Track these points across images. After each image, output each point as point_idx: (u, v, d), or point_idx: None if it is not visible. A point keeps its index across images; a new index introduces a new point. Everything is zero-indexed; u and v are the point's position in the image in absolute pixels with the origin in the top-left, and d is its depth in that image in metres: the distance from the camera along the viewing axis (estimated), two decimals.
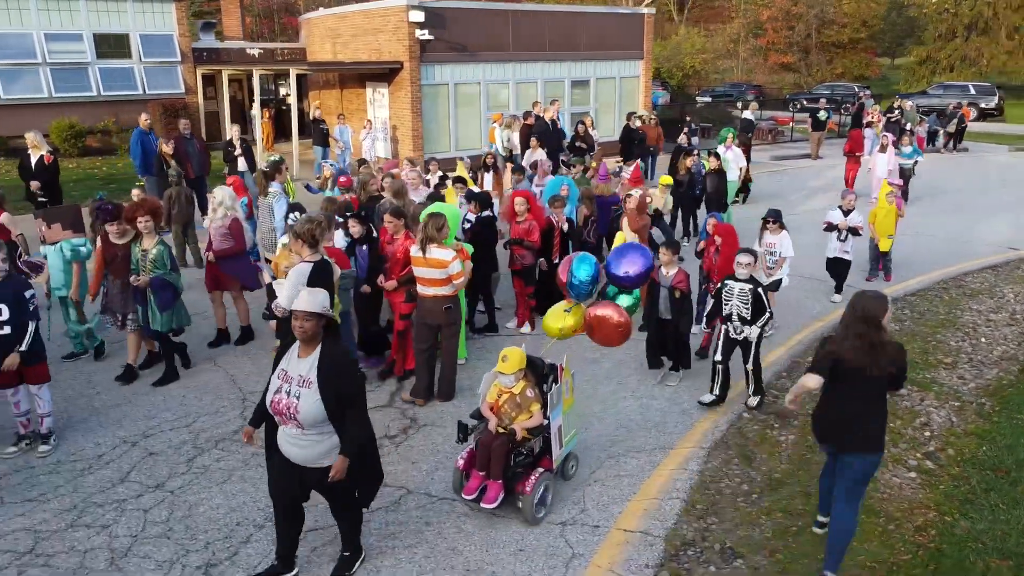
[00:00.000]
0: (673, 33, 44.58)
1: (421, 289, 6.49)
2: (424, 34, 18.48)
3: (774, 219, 8.20)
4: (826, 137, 24.41)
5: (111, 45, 20.91)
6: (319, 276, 5.55)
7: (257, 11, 48.11)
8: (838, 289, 9.85)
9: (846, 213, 9.64)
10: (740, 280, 6.51)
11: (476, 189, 10.17)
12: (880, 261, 10.79)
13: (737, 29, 50.56)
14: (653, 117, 19.92)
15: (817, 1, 46.20)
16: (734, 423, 6.64)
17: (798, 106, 34.30)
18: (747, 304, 6.49)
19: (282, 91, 28.40)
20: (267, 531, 5.03)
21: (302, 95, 22.57)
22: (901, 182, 11.15)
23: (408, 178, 9.61)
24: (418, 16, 18.21)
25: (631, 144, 16.86)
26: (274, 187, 8.94)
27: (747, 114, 23.19)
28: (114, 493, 5.39)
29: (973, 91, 35.36)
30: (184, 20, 21.84)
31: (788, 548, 5.01)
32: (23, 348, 5.62)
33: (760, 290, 6.49)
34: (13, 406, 5.79)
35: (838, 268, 9.81)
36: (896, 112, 23.29)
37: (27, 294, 5.58)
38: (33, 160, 10.62)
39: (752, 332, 6.59)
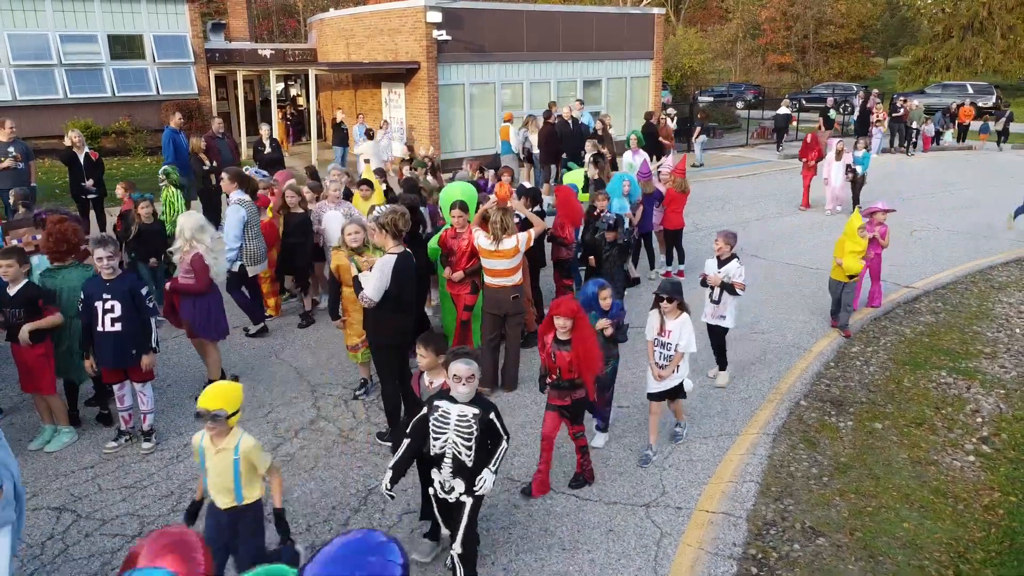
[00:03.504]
0: (671, 34, 44.91)
1: (489, 280, 6.65)
2: (441, 34, 18.63)
3: (669, 296, 5.69)
4: (832, 136, 24.74)
5: (125, 46, 20.99)
6: (403, 267, 5.69)
7: (255, 12, 48.25)
8: (720, 365, 7.35)
9: (723, 263, 7.03)
10: (460, 401, 4.15)
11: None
12: (851, 296, 8.50)
13: (735, 29, 51.00)
14: (666, 116, 20.18)
15: (815, 1, 46.65)
16: (793, 411, 6.84)
17: (797, 105, 34.72)
18: (470, 438, 4.13)
19: (291, 92, 28.49)
20: (363, 514, 5.19)
21: (311, 96, 22.60)
22: (885, 205, 9.61)
23: (328, 188, 8.60)
24: (436, 16, 18.36)
25: (655, 141, 17.11)
26: (235, 195, 7.95)
27: (782, 109, 23.91)
28: None
29: (971, 90, 35.77)
30: (197, 21, 21.93)
31: (866, 527, 5.19)
32: (154, 346, 5.77)
33: (493, 416, 4.16)
34: (118, 400, 5.90)
35: (713, 337, 7.26)
36: (901, 111, 23.61)
37: (143, 291, 5.70)
38: (80, 158, 10.72)
39: (481, 484, 4.14)
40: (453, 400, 4.16)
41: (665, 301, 5.71)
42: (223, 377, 6.86)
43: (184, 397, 6.84)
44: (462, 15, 19.08)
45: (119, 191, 9.03)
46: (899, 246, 12.43)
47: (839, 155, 14.50)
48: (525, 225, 8.02)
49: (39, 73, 19.73)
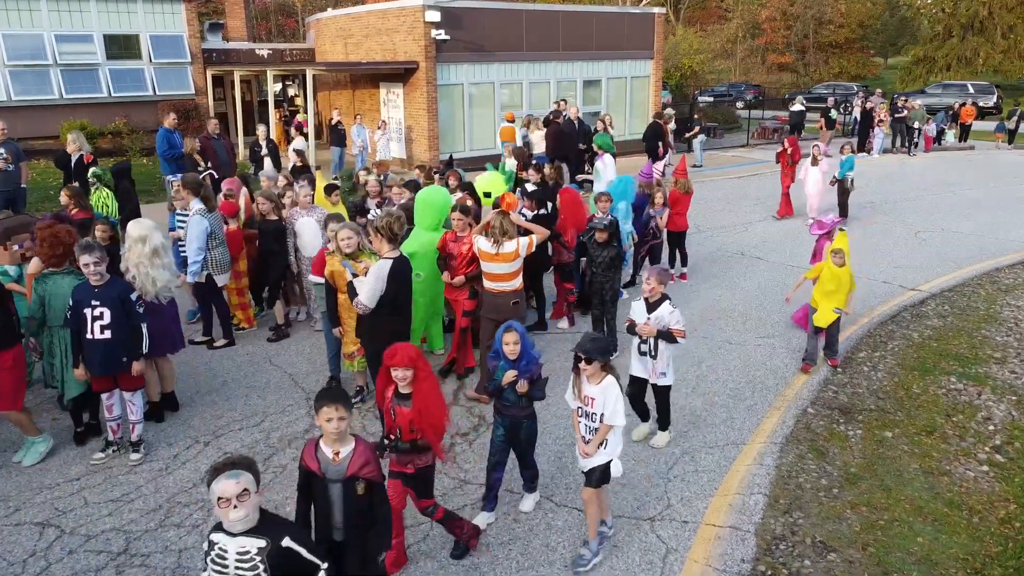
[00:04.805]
0: (670, 34, 44.76)
1: (489, 284, 6.48)
2: (440, 34, 18.45)
3: (589, 355, 4.48)
4: (834, 136, 24.65)
5: (121, 46, 20.82)
6: (399, 271, 5.52)
7: (254, 12, 48.10)
8: (661, 425, 6.15)
9: (652, 306, 5.79)
10: (236, 533, 3.04)
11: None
12: (826, 340, 7.59)
13: (734, 29, 50.86)
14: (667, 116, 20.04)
15: (815, 1, 46.53)
16: (800, 418, 6.66)
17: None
18: None
19: (289, 92, 28.32)
20: None
21: (309, 96, 22.44)
22: (834, 219, 8.82)
23: (300, 198, 8.15)
24: (434, 16, 18.19)
25: (658, 141, 16.96)
26: (195, 204, 7.59)
27: (795, 107, 24.03)
28: (197, 493, 5.35)
29: (972, 90, 35.65)
30: (194, 21, 21.75)
31: (879, 542, 5.02)
32: (145, 351, 5.60)
33: (291, 542, 3.11)
34: (106, 410, 5.71)
35: (651, 396, 6.04)
36: (904, 111, 23.47)
37: (132, 296, 5.52)
38: (73, 160, 10.54)
39: None
40: (225, 531, 3.02)
41: (583, 362, 4.53)
42: (171, 396, 6.54)
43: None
44: (461, 14, 18.91)
45: (63, 198, 8.09)
46: (904, 248, 12.29)
47: (815, 160, 13.34)
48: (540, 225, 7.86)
49: (34, 73, 19.54)
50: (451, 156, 13.91)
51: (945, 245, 12.51)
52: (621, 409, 4.54)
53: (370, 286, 5.41)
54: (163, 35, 21.22)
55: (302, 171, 10.54)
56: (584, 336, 4.61)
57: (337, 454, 3.60)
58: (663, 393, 6.03)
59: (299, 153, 12.07)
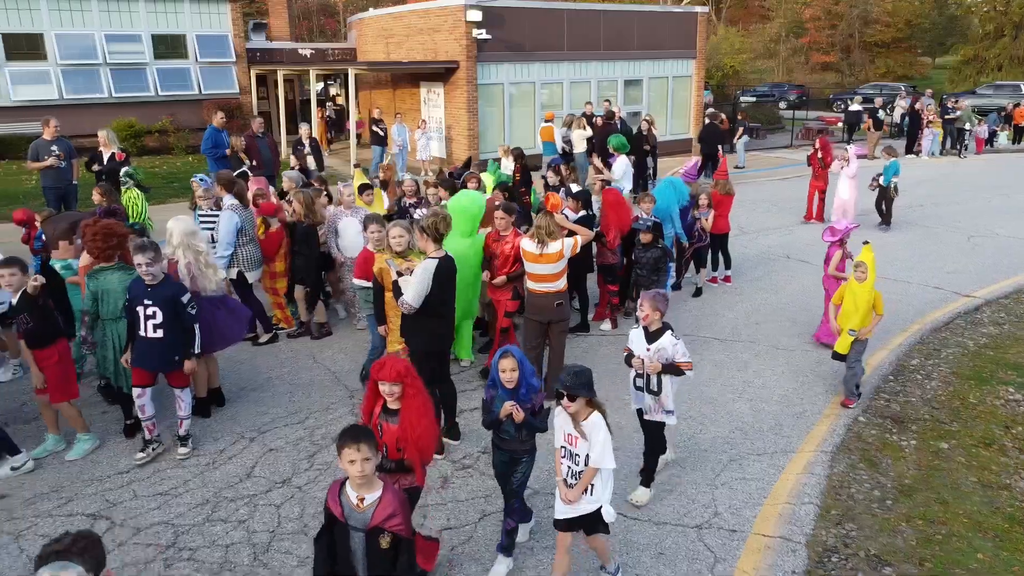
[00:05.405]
0: (712, 33, 44.25)
1: (532, 285, 6.42)
2: (481, 33, 18.45)
3: (571, 392, 3.99)
4: (881, 137, 24.13)
5: (168, 46, 21.24)
6: (445, 271, 5.50)
7: (296, 12, 48.63)
8: (643, 478, 5.36)
9: (652, 336, 5.10)
10: None
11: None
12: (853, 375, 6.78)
13: (777, 29, 50.12)
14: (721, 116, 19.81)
15: (860, 0, 45.61)
16: (851, 427, 6.48)
17: (842, 106, 33.85)
18: None
19: (331, 91, 28.60)
20: None
21: (351, 95, 22.65)
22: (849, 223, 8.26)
23: (343, 198, 8.19)
24: (476, 15, 18.19)
25: (716, 141, 16.82)
26: (227, 200, 7.70)
27: (853, 107, 23.84)
28: (243, 488, 5.39)
29: None
30: (239, 21, 22.11)
31: (936, 557, 4.85)
32: (196, 351, 5.66)
33: None
34: (139, 410, 5.68)
35: (651, 433, 5.30)
36: (958, 113, 22.86)
37: (184, 298, 5.57)
38: (105, 158, 10.72)
39: None
40: None
41: (566, 399, 4.03)
42: (217, 391, 6.60)
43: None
44: (502, 14, 18.88)
45: (95, 197, 8.18)
46: (957, 253, 11.94)
47: (840, 164, 12.75)
48: (584, 226, 7.77)
49: (85, 73, 20.02)
50: (469, 159, 13.70)
51: (999, 250, 12.12)
52: (610, 451, 4.08)
53: (416, 286, 5.39)
54: (209, 35, 21.62)
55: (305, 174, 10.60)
56: (565, 370, 4.08)
57: (362, 500, 3.30)
58: (657, 429, 5.29)
59: (299, 156, 12.07)
